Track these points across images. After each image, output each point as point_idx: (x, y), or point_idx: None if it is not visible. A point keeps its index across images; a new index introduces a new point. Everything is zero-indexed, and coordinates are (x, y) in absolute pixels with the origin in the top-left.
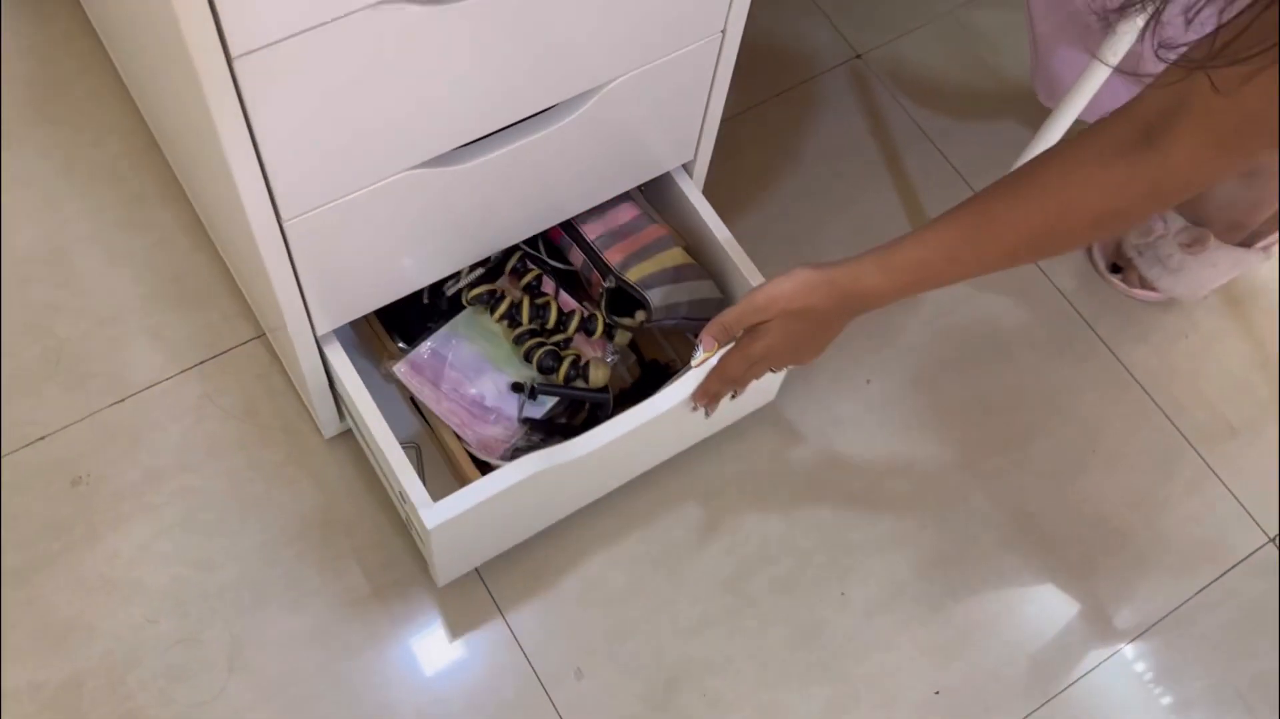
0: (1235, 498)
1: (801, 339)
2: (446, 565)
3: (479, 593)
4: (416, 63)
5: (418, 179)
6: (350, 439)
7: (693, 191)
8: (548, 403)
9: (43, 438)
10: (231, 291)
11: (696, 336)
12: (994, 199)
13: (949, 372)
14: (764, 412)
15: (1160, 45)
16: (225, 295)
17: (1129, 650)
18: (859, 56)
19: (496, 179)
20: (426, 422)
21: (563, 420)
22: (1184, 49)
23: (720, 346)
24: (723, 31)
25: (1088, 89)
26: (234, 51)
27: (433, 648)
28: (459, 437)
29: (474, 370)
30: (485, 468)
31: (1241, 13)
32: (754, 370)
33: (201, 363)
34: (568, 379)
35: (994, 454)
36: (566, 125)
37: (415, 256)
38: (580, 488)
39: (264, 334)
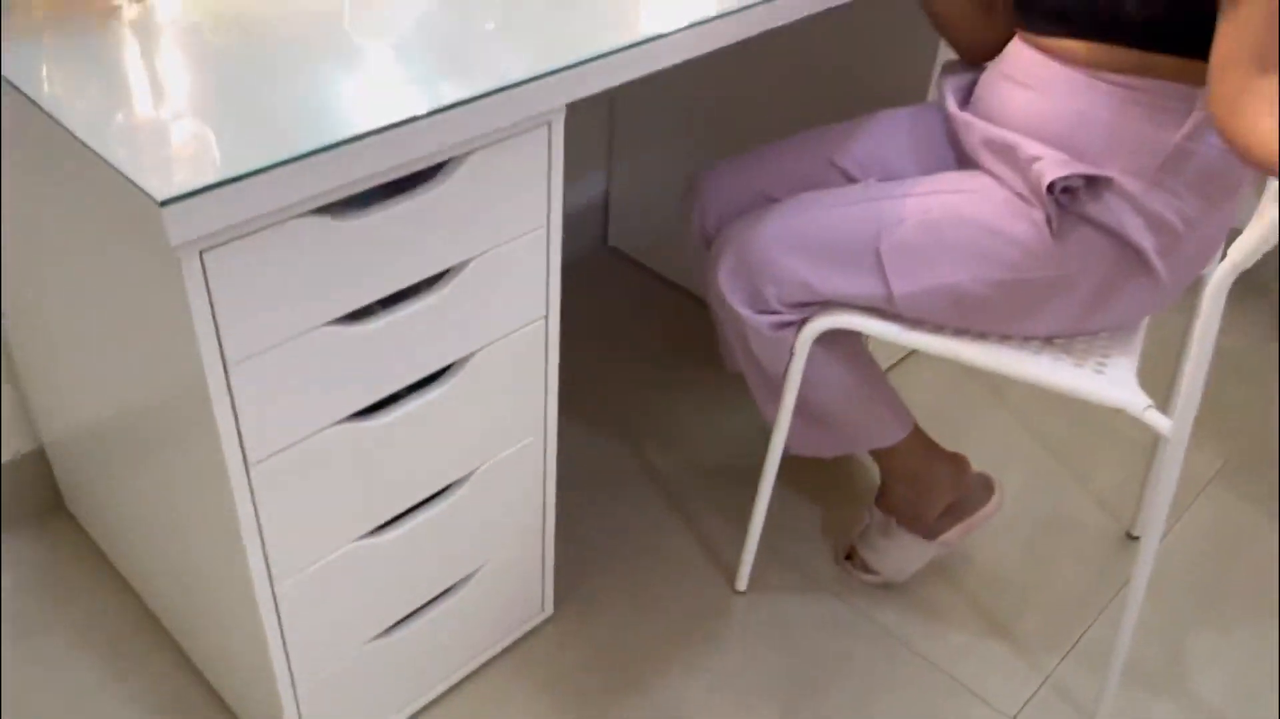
0: (974, 693)
1: None
2: None
3: None
4: (366, 461)
5: (358, 548)
6: None
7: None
8: None
9: None
10: (215, 700)
11: None
12: None
13: (771, 651)
14: (656, 693)
15: None
16: (210, 703)
17: None
18: None
19: (411, 543)
20: None
21: None
22: None
23: None
24: (544, 431)
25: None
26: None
27: None
28: None
29: None
30: None
31: None
32: None
33: None
34: None
35: (805, 698)
36: (453, 503)
37: (358, 610)
38: None
39: None
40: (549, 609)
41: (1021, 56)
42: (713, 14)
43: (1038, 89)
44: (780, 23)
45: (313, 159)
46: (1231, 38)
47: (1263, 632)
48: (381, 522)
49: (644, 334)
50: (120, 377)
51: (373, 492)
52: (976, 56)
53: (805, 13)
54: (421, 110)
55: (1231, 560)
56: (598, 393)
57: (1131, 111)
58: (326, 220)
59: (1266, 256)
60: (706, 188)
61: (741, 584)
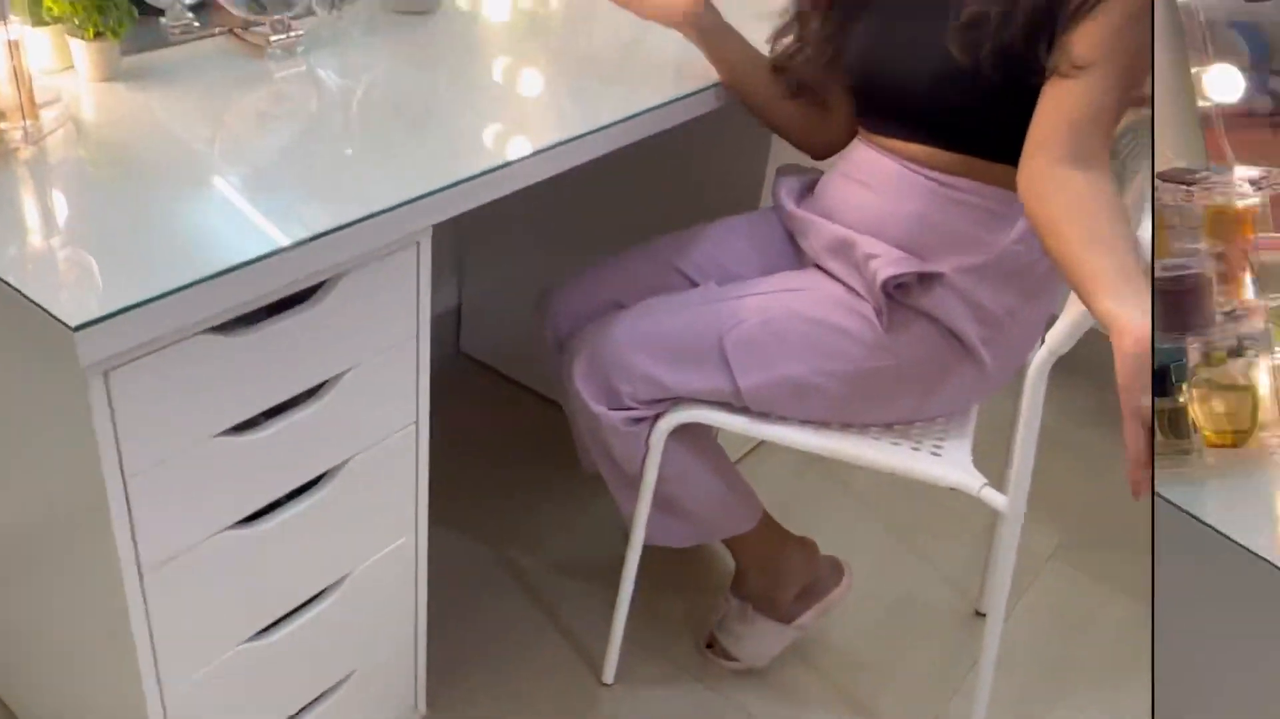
0: None
1: None
2: None
3: None
4: (250, 566)
5: (243, 651)
6: None
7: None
8: None
9: None
10: None
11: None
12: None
13: None
14: None
15: None
16: None
17: None
18: None
19: (294, 645)
20: None
21: None
22: None
23: None
24: (415, 533)
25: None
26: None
27: None
28: None
29: None
30: None
31: None
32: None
33: None
34: None
35: None
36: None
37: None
38: None
39: None
40: (422, 709)
41: (861, 156)
42: (556, 140)
43: (876, 189)
44: (618, 146)
45: (214, 282)
46: (1048, 121)
47: (1109, 703)
48: (265, 625)
49: (501, 437)
50: (6, 493)
51: (257, 596)
52: (820, 154)
53: (638, 136)
54: (304, 236)
55: (1076, 633)
56: (460, 496)
57: (962, 213)
58: (217, 338)
59: (1083, 340)
60: (557, 299)
61: (609, 677)
